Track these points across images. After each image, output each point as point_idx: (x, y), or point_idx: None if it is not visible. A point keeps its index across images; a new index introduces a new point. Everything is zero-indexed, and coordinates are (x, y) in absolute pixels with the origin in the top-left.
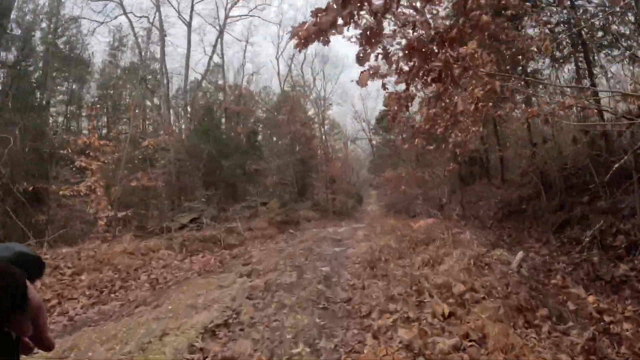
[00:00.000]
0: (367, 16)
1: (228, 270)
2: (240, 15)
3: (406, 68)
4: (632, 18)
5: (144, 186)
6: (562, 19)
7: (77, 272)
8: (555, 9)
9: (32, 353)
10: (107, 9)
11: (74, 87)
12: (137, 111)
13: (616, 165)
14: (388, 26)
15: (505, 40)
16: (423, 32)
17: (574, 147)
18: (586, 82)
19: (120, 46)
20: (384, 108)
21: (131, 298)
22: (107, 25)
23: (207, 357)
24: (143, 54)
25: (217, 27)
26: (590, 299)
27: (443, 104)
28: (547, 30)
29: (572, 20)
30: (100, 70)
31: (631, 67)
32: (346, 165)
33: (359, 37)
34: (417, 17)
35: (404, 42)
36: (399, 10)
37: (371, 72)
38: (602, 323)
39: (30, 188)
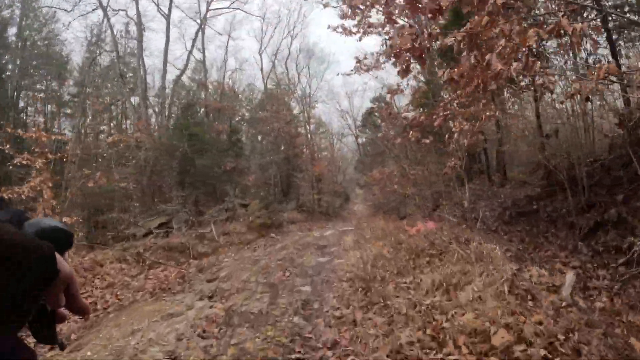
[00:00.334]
0: None
1: (189, 289)
2: (222, 8)
3: None
4: None
5: (120, 188)
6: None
7: None
8: None
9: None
10: (83, 2)
11: (53, 84)
12: (116, 109)
13: None
14: None
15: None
16: None
17: (604, 135)
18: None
19: (99, 42)
20: (370, 105)
21: None
22: (85, 20)
23: None
24: (122, 49)
25: (198, 21)
26: None
27: (473, 60)
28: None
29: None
30: (79, 67)
31: None
32: (332, 164)
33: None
34: None
35: None
36: None
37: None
38: None
39: None
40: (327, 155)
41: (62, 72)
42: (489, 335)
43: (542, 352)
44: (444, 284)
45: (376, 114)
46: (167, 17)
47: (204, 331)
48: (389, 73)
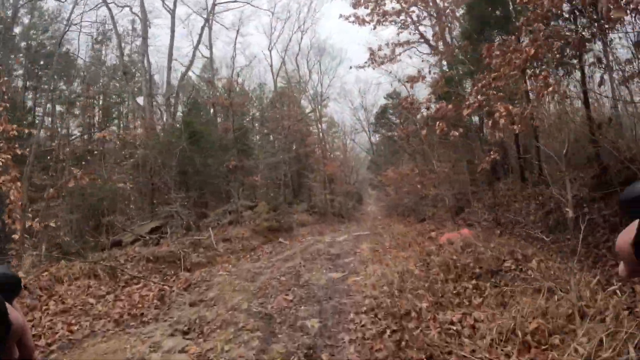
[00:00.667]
0: None
1: (165, 316)
2: (229, 2)
3: None
4: None
5: (116, 188)
6: None
7: None
8: None
9: None
10: None
11: (60, 84)
12: (123, 108)
13: None
14: None
15: None
16: None
17: None
18: None
19: (105, 40)
20: (385, 101)
21: None
22: (89, 18)
23: None
24: (129, 47)
25: (204, 15)
26: None
27: None
28: None
29: None
30: (85, 66)
31: None
32: (345, 164)
33: None
34: None
35: None
36: None
37: None
38: None
39: None
40: (340, 156)
41: (71, 71)
42: None
43: None
44: (519, 332)
45: (390, 110)
46: (172, 12)
47: None
48: (404, 68)
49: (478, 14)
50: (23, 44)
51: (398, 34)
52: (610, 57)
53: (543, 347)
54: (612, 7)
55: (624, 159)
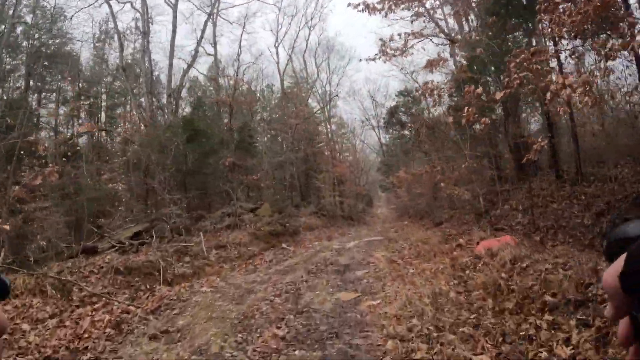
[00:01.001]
0: None
1: (109, 356)
2: None
3: None
4: None
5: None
6: None
7: None
8: None
9: None
10: None
11: (63, 85)
12: (127, 106)
13: None
14: None
15: None
16: None
17: None
18: None
19: (107, 38)
20: (396, 100)
21: None
22: (90, 15)
23: None
24: (132, 46)
25: (207, 9)
26: None
27: None
28: None
29: None
30: (89, 66)
31: None
32: (355, 165)
33: None
34: None
35: None
36: None
37: None
38: None
39: None
40: (349, 157)
41: (76, 71)
42: None
43: None
44: None
45: (402, 109)
46: (174, 6)
47: None
48: (416, 64)
49: None
50: (25, 43)
51: (412, 22)
52: None
53: None
54: None
55: None
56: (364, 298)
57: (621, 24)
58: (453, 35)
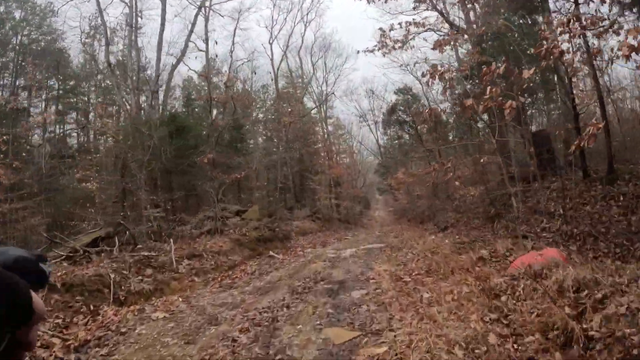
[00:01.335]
0: None
1: None
2: None
3: None
4: None
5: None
6: None
7: None
8: None
9: None
10: None
11: (51, 82)
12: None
13: None
14: None
15: None
16: None
17: None
18: None
19: (97, 34)
20: (395, 97)
21: None
22: (79, 10)
23: None
24: (123, 42)
25: (197, 2)
26: None
27: None
28: None
29: None
30: (80, 63)
31: None
32: (352, 166)
33: None
34: None
35: None
36: None
37: None
38: None
39: None
40: (346, 159)
41: (64, 68)
42: None
43: None
44: None
45: (401, 107)
46: None
47: None
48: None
49: None
50: (14, 40)
51: (414, 8)
52: None
53: None
54: None
55: None
56: (364, 341)
57: None
58: (458, 24)
